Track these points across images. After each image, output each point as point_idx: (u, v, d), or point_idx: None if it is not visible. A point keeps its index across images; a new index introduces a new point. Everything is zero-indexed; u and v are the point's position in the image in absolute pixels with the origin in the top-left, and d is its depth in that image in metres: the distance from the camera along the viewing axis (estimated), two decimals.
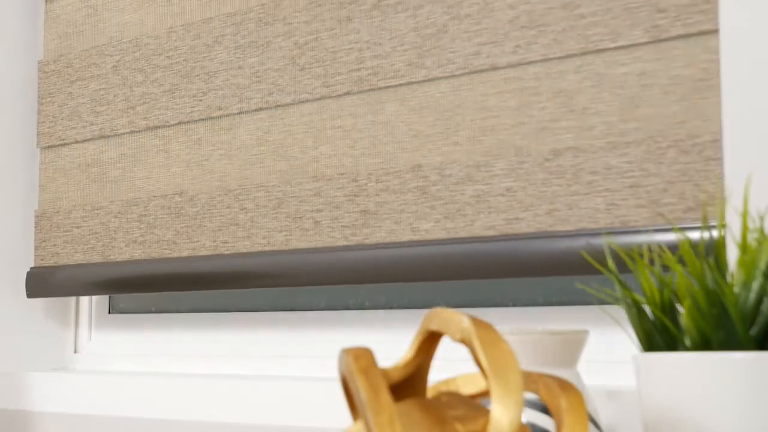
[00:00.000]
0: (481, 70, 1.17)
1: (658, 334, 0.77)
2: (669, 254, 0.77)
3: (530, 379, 0.70)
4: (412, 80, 1.23)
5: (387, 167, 1.24)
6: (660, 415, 0.74)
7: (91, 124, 1.58)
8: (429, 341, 0.72)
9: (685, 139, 1.03)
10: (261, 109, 1.37)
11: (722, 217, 0.76)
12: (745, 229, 0.75)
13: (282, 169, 1.34)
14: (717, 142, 1.01)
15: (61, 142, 1.63)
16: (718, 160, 1.01)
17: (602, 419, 1.04)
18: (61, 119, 1.63)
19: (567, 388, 0.67)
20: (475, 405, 0.70)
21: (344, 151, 1.29)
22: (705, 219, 0.77)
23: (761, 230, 0.74)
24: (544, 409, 0.85)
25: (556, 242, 1.10)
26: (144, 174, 1.50)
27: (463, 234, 1.18)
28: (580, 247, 1.08)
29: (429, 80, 1.22)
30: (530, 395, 0.86)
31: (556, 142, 1.12)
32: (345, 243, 1.27)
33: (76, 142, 1.61)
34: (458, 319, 0.68)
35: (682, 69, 1.05)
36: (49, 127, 1.65)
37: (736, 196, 0.96)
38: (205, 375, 1.43)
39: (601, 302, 1.16)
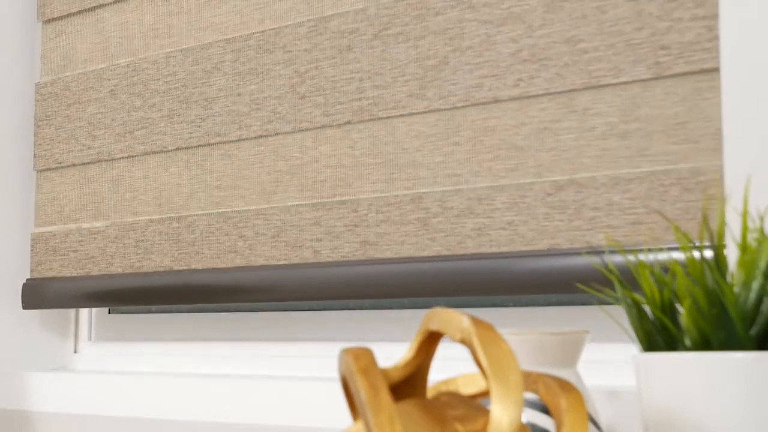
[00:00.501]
0: (483, 103, 1.17)
1: (658, 334, 0.77)
2: (671, 259, 0.77)
3: (530, 379, 0.70)
4: (413, 111, 1.22)
5: (388, 197, 1.24)
6: (660, 415, 0.74)
7: (89, 148, 1.58)
8: (429, 341, 0.72)
9: (689, 176, 1.03)
10: (260, 136, 1.37)
11: (722, 217, 0.76)
12: (745, 229, 0.75)
13: (281, 197, 1.34)
14: (720, 180, 1.01)
15: (58, 165, 1.62)
16: (722, 199, 1.01)
17: (602, 419, 1.04)
18: (58, 142, 1.62)
19: (567, 388, 0.67)
20: (475, 405, 0.70)
21: (345, 180, 1.28)
22: (705, 219, 0.77)
23: (761, 230, 0.74)
24: (544, 409, 0.85)
25: (555, 260, 1.10)
26: (141, 199, 1.50)
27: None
28: (579, 265, 1.08)
29: (430, 111, 1.21)
30: (530, 395, 0.86)
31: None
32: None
33: (74, 165, 1.60)
34: (458, 319, 0.68)
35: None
36: (45, 150, 1.64)
37: (736, 196, 0.96)
38: (205, 375, 1.43)
39: (602, 302, 1.16)
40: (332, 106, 1.29)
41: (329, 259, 1.28)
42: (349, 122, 1.27)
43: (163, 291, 1.44)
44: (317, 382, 1.25)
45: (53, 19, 1.66)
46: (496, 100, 1.16)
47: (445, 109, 1.20)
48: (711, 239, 0.76)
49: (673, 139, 1.05)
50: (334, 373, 1.38)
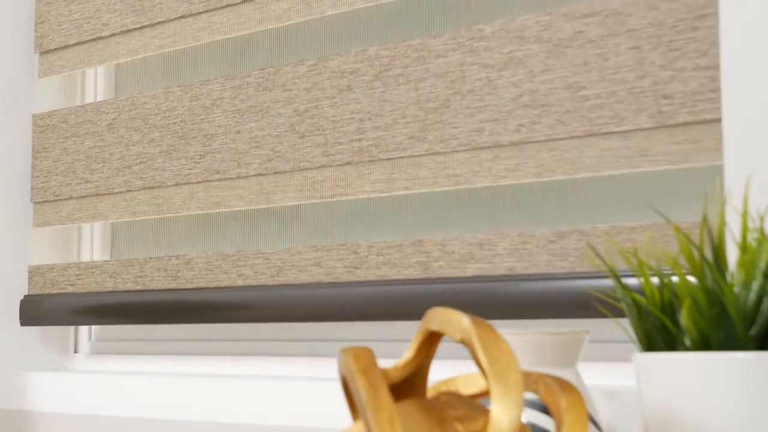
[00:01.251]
0: (484, 147, 1.17)
1: (658, 334, 0.77)
2: (669, 254, 0.77)
3: (530, 379, 0.70)
4: (414, 153, 1.22)
5: (388, 240, 1.24)
6: (660, 415, 0.74)
7: (86, 182, 1.57)
8: (429, 341, 0.72)
9: (691, 228, 1.03)
10: (260, 174, 1.36)
11: (722, 217, 0.76)
12: (745, 229, 0.75)
13: (281, 237, 1.33)
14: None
15: (56, 197, 1.61)
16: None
17: (602, 419, 1.04)
18: (56, 175, 1.61)
19: (567, 388, 0.67)
20: (475, 405, 0.70)
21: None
22: (705, 219, 0.77)
23: (761, 230, 0.74)
24: (544, 409, 0.85)
25: (552, 283, 1.10)
26: (139, 234, 1.49)
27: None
28: (577, 287, 1.08)
29: (431, 154, 1.21)
30: (530, 395, 0.86)
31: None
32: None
33: (71, 198, 1.59)
34: (458, 319, 0.68)
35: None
36: (43, 182, 1.63)
37: (736, 196, 0.96)
38: (205, 375, 1.43)
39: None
40: (332, 146, 1.28)
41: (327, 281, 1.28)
42: (349, 163, 1.27)
43: (161, 308, 1.44)
44: (317, 382, 1.25)
45: (50, 51, 1.65)
46: (498, 145, 1.15)
47: (446, 152, 1.19)
48: (711, 239, 0.76)
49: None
50: (334, 373, 1.38)
